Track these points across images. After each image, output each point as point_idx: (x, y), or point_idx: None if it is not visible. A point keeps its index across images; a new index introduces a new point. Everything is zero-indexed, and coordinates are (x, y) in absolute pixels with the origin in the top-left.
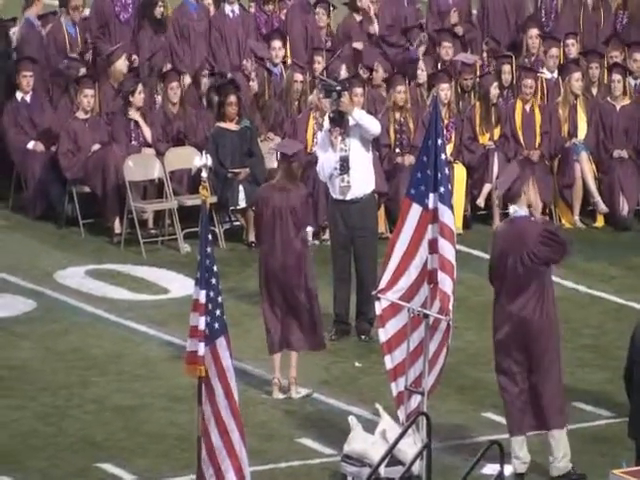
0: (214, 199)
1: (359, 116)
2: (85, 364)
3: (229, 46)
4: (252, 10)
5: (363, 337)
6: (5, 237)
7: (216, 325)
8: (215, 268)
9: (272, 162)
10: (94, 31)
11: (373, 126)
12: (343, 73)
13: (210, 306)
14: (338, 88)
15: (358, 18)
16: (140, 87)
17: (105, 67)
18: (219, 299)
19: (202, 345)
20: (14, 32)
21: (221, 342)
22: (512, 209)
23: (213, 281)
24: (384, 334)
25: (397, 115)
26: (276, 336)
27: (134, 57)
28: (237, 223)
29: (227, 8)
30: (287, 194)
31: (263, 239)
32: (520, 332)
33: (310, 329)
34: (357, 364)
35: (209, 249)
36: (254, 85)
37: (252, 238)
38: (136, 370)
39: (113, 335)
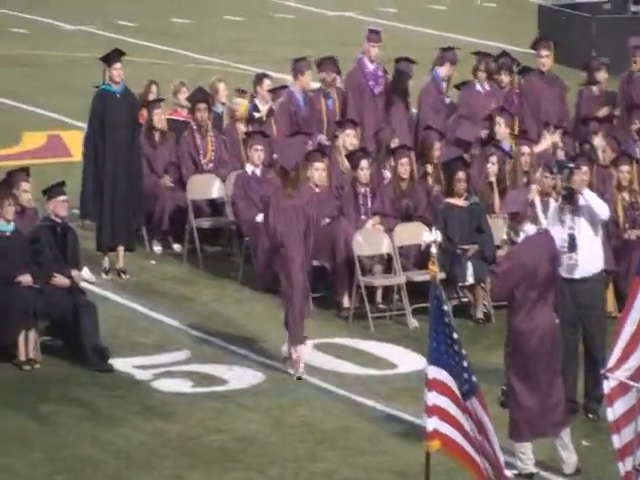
0: (443, 275)
1: (589, 196)
2: (313, 437)
3: (476, 121)
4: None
5: (591, 416)
6: (235, 309)
7: (467, 387)
8: (455, 335)
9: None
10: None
11: (601, 210)
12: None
13: (456, 371)
14: (571, 165)
15: (595, 91)
16: (365, 162)
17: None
18: (464, 363)
19: (437, 421)
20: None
21: (473, 402)
22: None
23: (456, 347)
24: (612, 413)
25: (625, 194)
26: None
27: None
28: (465, 299)
29: (477, 84)
30: (293, 200)
31: (281, 242)
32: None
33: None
34: (585, 443)
35: (447, 319)
36: (494, 168)
37: (480, 315)
38: (364, 444)
39: (341, 409)
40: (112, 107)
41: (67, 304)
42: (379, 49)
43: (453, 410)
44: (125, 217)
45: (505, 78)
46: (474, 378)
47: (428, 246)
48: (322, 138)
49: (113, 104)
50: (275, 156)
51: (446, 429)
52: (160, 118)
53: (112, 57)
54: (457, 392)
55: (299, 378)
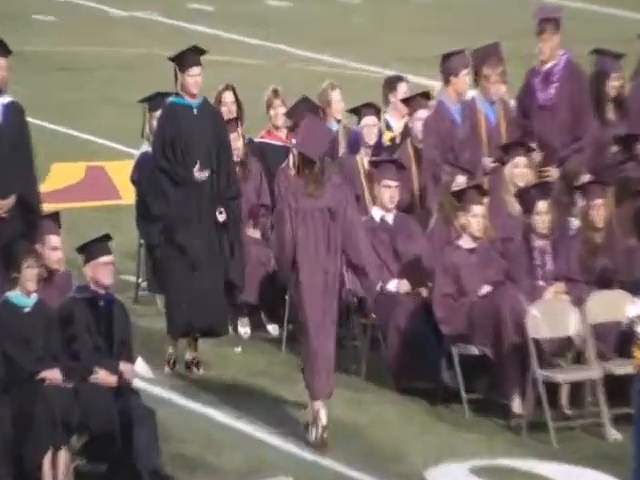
0: None
1: None
2: None
3: None
4: None
5: None
6: (356, 416)
7: None
8: None
9: None
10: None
11: None
12: None
13: None
14: None
15: None
16: (543, 204)
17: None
18: None
19: None
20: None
21: None
22: None
23: None
24: None
25: None
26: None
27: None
28: None
29: None
30: (318, 200)
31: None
32: None
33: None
34: None
35: None
36: None
37: None
38: None
39: None
40: (187, 127)
41: (113, 411)
42: (553, 39)
43: None
44: (214, 284)
45: None
46: None
47: (632, 323)
48: (486, 161)
49: (189, 123)
50: (294, 142)
51: None
52: (236, 146)
53: (188, 58)
54: None
55: (323, 443)
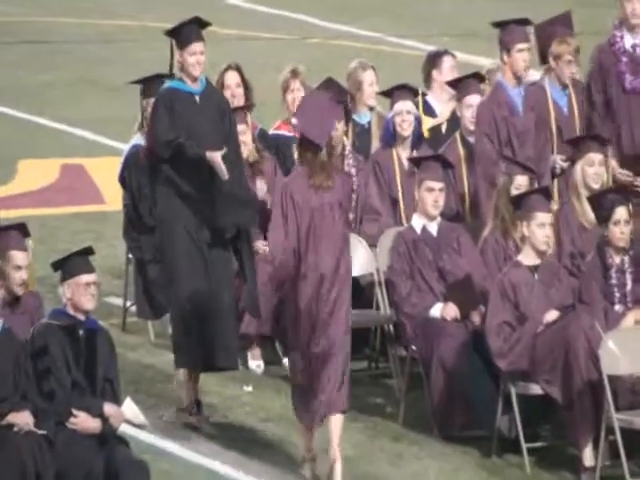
0: None
1: None
2: None
3: None
4: None
5: None
6: (393, 472)
7: None
8: None
9: None
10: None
11: None
12: None
13: None
14: None
15: None
16: (623, 211)
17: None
18: None
19: None
20: None
21: None
22: None
23: None
24: None
25: None
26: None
27: None
28: None
29: None
30: (328, 193)
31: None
32: None
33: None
34: None
35: None
36: None
37: None
38: None
39: None
40: (188, 119)
41: (96, 463)
42: None
43: None
44: (223, 305)
45: None
46: None
47: None
48: (556, 159)
49: (190, 114)
50: (294, 121)
51: None
52: (244, 140)
53: (188, 32)
54: None
55: None
